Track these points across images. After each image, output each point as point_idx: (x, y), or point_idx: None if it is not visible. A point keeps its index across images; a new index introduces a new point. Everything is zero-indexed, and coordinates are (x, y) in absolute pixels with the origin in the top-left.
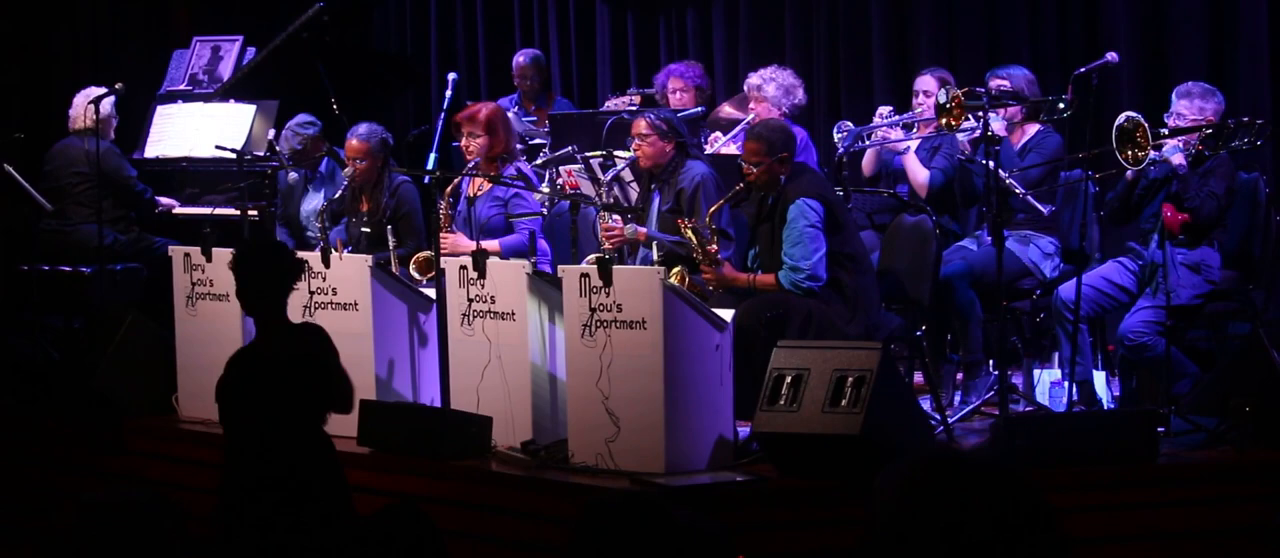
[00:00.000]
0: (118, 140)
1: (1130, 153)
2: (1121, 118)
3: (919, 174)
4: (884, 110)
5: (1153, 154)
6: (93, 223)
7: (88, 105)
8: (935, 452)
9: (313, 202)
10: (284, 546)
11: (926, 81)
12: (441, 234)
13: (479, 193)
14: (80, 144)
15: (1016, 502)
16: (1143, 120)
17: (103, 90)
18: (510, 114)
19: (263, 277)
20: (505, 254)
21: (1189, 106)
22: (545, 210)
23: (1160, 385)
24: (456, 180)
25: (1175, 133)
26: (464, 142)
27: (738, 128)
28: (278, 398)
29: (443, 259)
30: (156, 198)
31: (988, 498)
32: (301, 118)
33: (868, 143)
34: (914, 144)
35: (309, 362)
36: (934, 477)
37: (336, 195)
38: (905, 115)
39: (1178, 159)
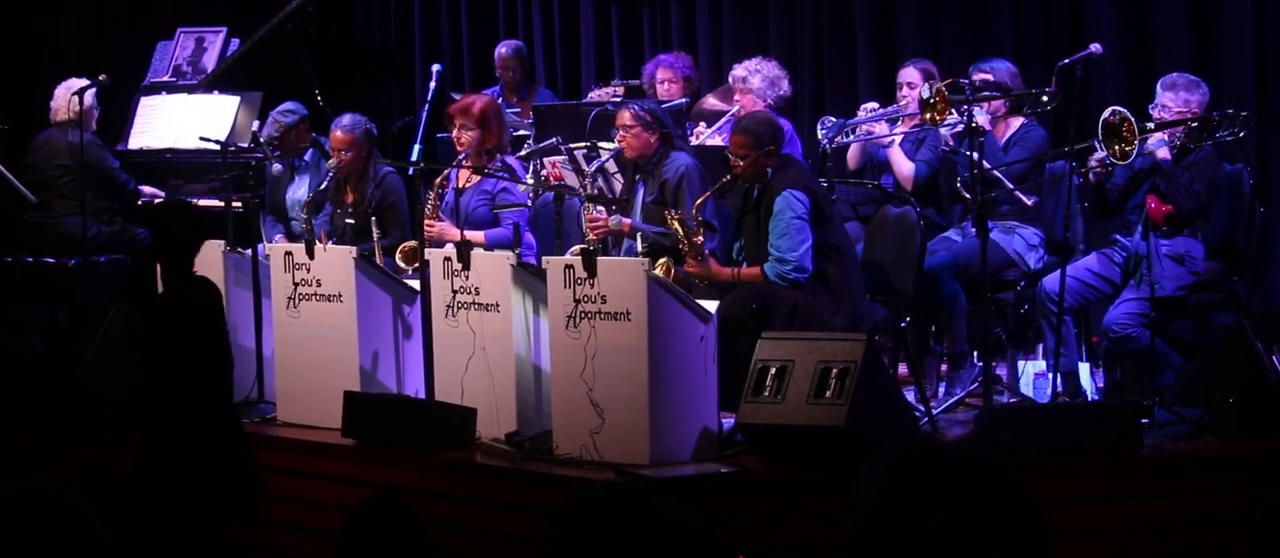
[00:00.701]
0: (101, 132)
1: (1117, 148)
2: (1107, 113)
3: (904, 167)
4: (869, 105)
5: (1138, 148)
6: (76, 215)
7: (70, 97)
8: (916, 444)
9: (298, 191)
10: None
11: (910, 74)
12: (428, 222)
13: (467, 185)
14: (62, 136)
15: (997, 493)
16: (1129, 115)
17: (84, 82)
18: None
19: (179, 234)
20: (490, 246)
21: (1174, 99)
22: (531, 203)
23: (1144, 377)
24: (445, 172)
25: (1161, 126)
26: (455, 133)
27: (723, 119)
28: (186, 344)
29: (427, 251)
30: (139, 187)
31: (968, 490)
32: (285, 105)
33: (852, 137)
34: (898, 137)
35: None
36: (914, 469)
37: (320, 187)
38: (889, 108)
39: (1162, 153)
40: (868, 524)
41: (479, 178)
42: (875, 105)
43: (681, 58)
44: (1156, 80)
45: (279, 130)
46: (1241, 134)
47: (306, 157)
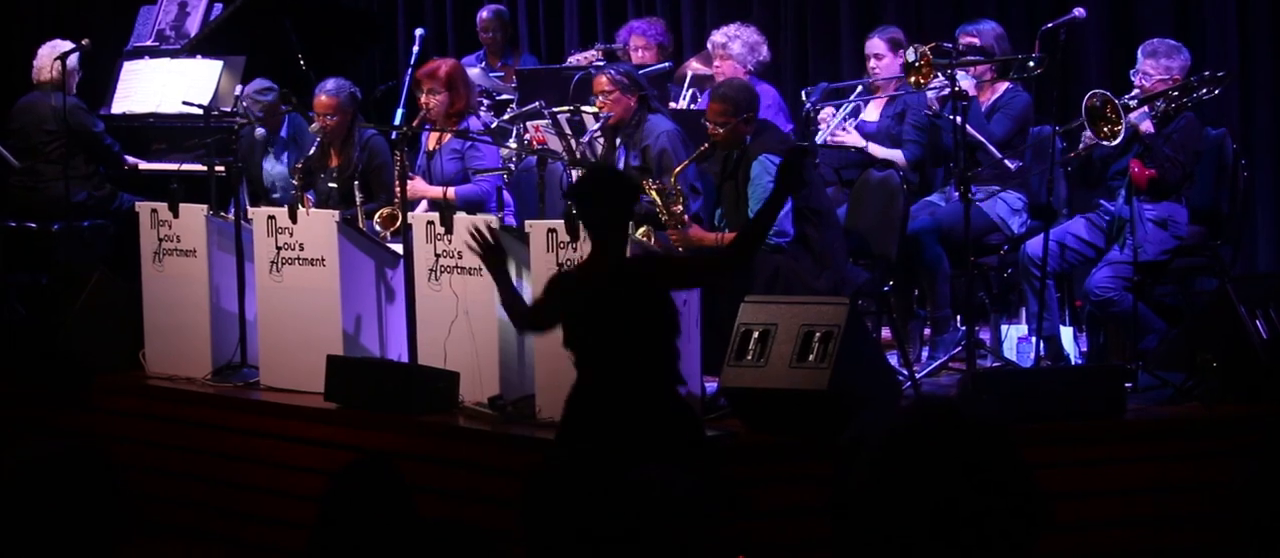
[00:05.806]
0: (85, 97)
1: (1105, 128)
2: (1088, 98)
3: (896, 156)
4: (827, 112)
5: (1125, 125)
6: (63, 180)
7: (53, 59)
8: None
9: (275, 166)
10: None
11: (876, 44)
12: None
13: (436, 148)
14: (46, 99)
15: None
16: (1110, 96)
17: (68, 44)
18: (476, 71)
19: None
20: (460, 202)
21: (1155, 66)
22: (512, 167)
23: (1127, 341)
24: (406, 130)
25: (1144, 101)
26: (424, 98)
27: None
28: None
29: (410, 215)
30: (124, 155)
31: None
32: (259, 84)
33: (846, 124)
34: (875, 115)
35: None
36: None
37: (310, 153)
38: (861, 80)
39: (1145, 125)
40: (868, 481)
41: (448, 138)
42: (831, 111)
43: (655, 23)
44: (1139, 44)
45: (263, 111)
46: (1217, 91)
47: (282, 132)
